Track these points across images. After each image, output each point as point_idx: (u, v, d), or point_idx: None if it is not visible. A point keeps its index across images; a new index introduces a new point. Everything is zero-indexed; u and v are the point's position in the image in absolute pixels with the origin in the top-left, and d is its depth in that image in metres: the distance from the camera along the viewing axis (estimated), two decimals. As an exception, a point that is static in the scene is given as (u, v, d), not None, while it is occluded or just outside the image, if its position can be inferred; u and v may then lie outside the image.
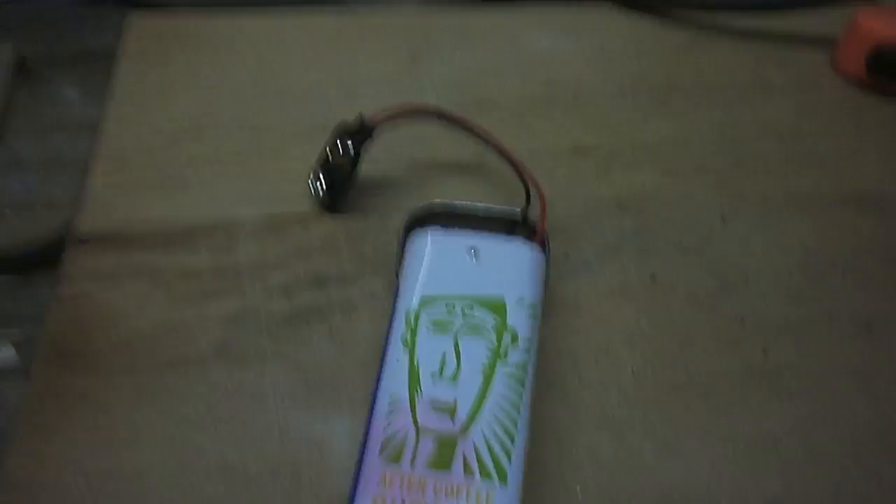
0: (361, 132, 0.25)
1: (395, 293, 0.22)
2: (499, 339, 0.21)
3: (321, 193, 0.26)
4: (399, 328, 0.21)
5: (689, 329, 0.24)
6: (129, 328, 0.23)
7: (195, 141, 0.29)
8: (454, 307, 0.21)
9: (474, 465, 0.19)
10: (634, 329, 0.24)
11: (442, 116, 0.25)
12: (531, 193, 0.24)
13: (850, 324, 0.24)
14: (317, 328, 0.24)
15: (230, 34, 0.33)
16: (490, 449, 0.19)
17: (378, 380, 0.20)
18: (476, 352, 0.20)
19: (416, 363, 0.20)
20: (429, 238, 0.23)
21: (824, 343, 0.24)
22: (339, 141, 0.25)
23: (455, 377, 0.20)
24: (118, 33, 0.34)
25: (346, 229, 0.26)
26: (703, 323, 0.24)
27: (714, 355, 0.24)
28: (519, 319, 0.21)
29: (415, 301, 0.21)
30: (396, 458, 0.19)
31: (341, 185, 0.26)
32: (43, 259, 0.30)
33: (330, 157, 0.26)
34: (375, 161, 0.28)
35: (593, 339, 0.24)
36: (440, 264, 0.22)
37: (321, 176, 0.26)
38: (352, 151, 0.25)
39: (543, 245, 0.24)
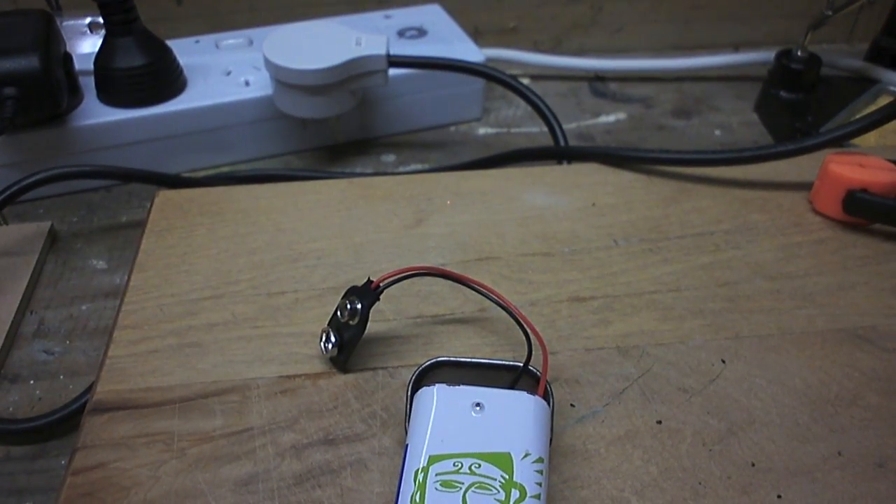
0: (369, 295, 0.27)
1: (404, 450, 0.23)
2: (507, 496, 0.21)
3: (332, 352, 0.27)
4: (409, 488, 0.21)
5: (699, 476, 0.24)
6: (141, 499, 0.23)
7: (213, 307, 0.30)
8: (461, 465, 0.21)
9: None
10: (645, 478, 0.24)
11: (444, 276, 0.27)
12: (532, 344, 0.25)
13: (861, 462, 0.24)
14: (327, 491, 0.24)
15: (248, 203, 0.36)
16: None
17: None
18: None
19: None
20: (434, 394, 0.24)
21: (838, 484, 0.24)
22: (348, 304, 0.27)
23: None
24: (147, 208, 0.37)
25: (356, 386, 0.27)
26: (713, 469, 0.24)
27: (728, 503, 0.23)
28: (526, 475, 0.21)
29: (423, 460, 0.22)
30: None
31: (351, 345, 0.27)
32: (60, 428, 0.31)
33: (340, 319, 0.27)
34: (384, 317, 0.29)
35: (605, 490, 0.24)
36: (446, 421, 0.23)
37: (332, 336, 0.27)
38: (360, 314, 0.27)
39: (547, 396, 0.24)
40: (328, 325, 0.28)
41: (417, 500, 0.21)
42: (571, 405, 0.26)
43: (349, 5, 0.55)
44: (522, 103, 0.51)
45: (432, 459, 0.22)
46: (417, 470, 0.22)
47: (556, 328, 0.29)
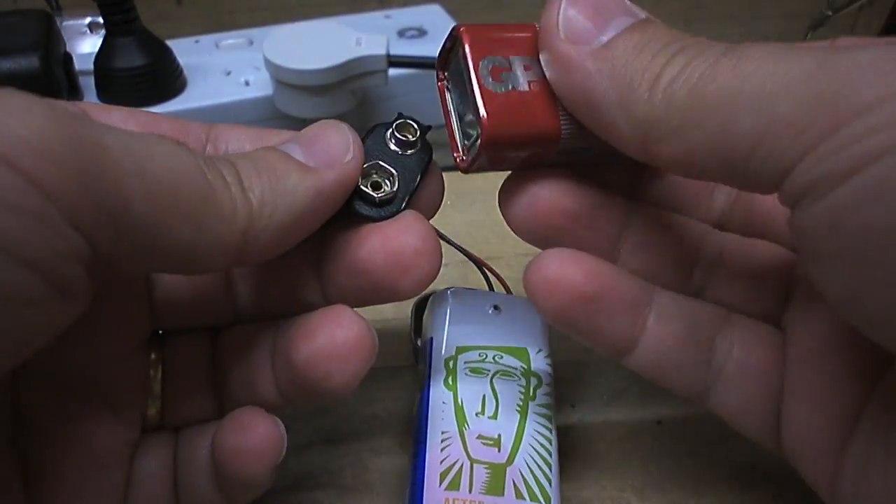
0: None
1: (426, 349, 0.24)
2: (528, 383, 0.24)
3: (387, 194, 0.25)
4: (440, 374, 0.24)
5: (699, 476, 0.24)
6: None
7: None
8: (486, 356, 0.24)
9: (523, 490, 0.21)
10: (645, 478, 0.24)
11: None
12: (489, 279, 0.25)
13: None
14: (328, 491, 0.24)
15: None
16: (533, 475, 0.22)
17: (424, 419, 0.23)
18: (510, 393, 0.23)
19: (460, 402, 0.23)
20: (449, 296, 0.26)
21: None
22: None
23: (495, 415, 0.23)
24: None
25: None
26: (713, 469, 0.24)
27: (727, 503, 0.23)
28: (541, 367, 0.24)
29: (452, 349, 0.24)
30: (456, 486, 0.21)
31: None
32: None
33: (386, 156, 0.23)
34: (383, 317, 0.29)
35: (605, 491, 0.24)
36: (468, 318, 0.25)
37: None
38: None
39: None
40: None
41: (450, 383, 0.23)
42: (571, 405, 0.26)
43: (349, 5, 0.55)
44: (522, 103, 0.51)
45: (459, 350, 0.24)
46: (448, 358, 0.24)
47: (556, 328, 0.29)
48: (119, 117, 0.20)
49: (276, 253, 0.18)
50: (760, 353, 0.20)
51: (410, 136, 0.21)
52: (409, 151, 0.21)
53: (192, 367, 0.22)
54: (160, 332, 0.22)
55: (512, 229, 0.20)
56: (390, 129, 0.21)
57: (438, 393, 0.23)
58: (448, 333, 0.25)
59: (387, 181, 0.20)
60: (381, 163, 0.20)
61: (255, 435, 0.19)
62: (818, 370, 0.19)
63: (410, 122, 0.21)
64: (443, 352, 0.24)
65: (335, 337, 0.19)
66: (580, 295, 0.19)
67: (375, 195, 0.20)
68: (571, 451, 0.25)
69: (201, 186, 0.16)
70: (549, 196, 0.20)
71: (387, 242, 0.19)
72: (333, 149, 0.19)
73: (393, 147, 0.21)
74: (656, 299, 0.20)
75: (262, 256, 0.18)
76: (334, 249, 0.20)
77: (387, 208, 0.20)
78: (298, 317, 0.20)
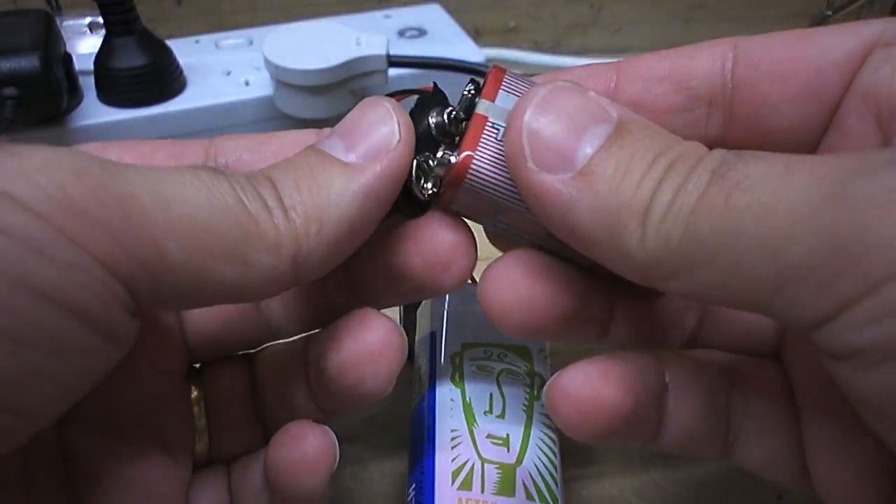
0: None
1: (426, 345, 0.24)
2: (533, 382, 0.24)
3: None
4: (447, 369, 0.23)
5: (701, 476, 0.24)
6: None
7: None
8: (492, 353, 0.24)
9: (533, 491, 0.21)
10: (645, 478, 0.24)
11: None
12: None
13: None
14: (328, 490, 0.24)
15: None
16: (542, 476, 0.22)
17: (432, 417, 0.22)
18: (516, 392, 0.23)
19: (468, 400, 0.23)
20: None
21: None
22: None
23: (503, 414, 0.23)
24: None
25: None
26: (714, 469, 0.24)
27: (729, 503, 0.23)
28: (542, 367, 0.24)
29: (458, 345, 0.24)
30: (468, 486, 0.21)
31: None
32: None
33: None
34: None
35: (605, 490, 0.24)
36: (468, 314, 0.25)
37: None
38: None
39: None
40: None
41: (458, 380, 0.23)
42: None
43: (349, 5, 0.55)
44: (522, 103, 0.51)
45: (465, 346, 0.24)
46: (454, 355, 0.24)
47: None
48: (115, 153, 0.19)
49: (335, 265, 0.17)
50: (776, 404, 0.19)
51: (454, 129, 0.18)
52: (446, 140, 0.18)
53: (233, 397, 0.21)
54: (197, 365, 0.22)
55: (494, 323, 0.19)
56: (436, 114, 0.18)
57: (445, 390, 0.23)
58: (450, 329, 0.24)
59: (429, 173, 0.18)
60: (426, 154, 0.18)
61: (306, 446, 0.18)
62: (829, 416, 0.17)
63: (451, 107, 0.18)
64: (448, 348, 0.24)
65: (364, 341, 0.19)
66: (619, 415, 0.18)
67: (422, 192, 0.18)
68: (572, 452, 0.25)
69: (241, 219, 0.15)
70: (536, 295, 0.18)
71: (422, 244, 0.19)
72: (376, 135, 0.17)
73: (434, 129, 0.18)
74: (668, 375, 0.19)
75: (319, 274, 0.17)
76: (364, 254, 0.19)
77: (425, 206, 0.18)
78: (325, 327, 0.20)
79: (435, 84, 0.19)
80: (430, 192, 0.18)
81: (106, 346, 0.15)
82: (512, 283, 0.18)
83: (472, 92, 0.18)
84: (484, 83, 0.18)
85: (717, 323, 0.21)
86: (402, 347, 0.19)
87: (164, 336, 0.20)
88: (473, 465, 0.21)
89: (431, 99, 0.19)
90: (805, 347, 0.19)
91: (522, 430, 0.22)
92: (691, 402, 0.19)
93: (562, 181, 0.15)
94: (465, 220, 0.19)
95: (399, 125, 0.17)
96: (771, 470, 0.19)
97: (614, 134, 0.15)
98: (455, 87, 0.19)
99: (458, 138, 0.18)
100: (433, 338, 0.24)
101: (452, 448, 0.21)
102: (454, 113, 0.18)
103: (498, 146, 0.17)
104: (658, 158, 0.15)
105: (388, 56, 0.42)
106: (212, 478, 0.21)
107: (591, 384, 0.18)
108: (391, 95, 0.19)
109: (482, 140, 0.17)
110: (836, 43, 0.17)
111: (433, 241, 0.19)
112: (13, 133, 0.39)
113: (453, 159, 0.17)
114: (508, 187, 0.17)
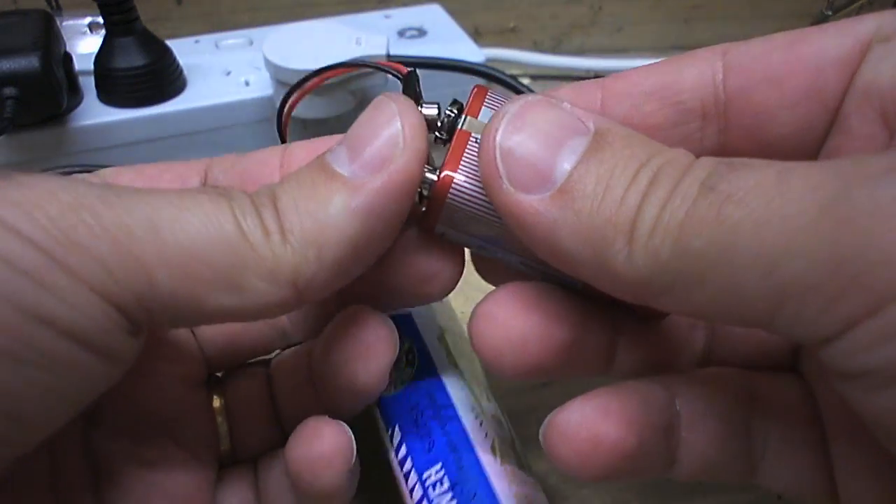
0: None
1: (401, 327, 0.23)
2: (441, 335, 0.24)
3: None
4: (439, 352, 0.24)
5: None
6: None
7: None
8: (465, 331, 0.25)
9: (524, 463, 0.21)
10: (646, 479, 0.24)
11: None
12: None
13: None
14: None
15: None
16: (519, 448, 0.22)
17: (446, 395, 0.22)
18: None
19: (469, 381, 0.23)
20: None
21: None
22: None
23: (489, 395, 0.24)
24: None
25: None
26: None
27: (729, 503, 0.23)
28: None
29: (437, 328, 0.24)
30: (508, 458, 0.21)
31: None
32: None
33: None
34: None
35: (605, 490, 0.24)
36: None
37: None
38: None
39: None
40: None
41: (449, 361, 0.23)
42: (571, 405, 0.26)
43: (349, 5, 0.55)
44: (522, 103, 0.51)
45: (443, 329, 0.24)
46: (439, 336, 0.24)
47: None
48: (128, 178, 0.19)
49: (343, 284, 0.17)
50: (801, 423, 0.18)
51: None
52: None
53: (253, 403, 0.22)
54: (220, 374, 0.23)
55: (488, 368, 0.18)
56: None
57: (448, 372, 0.23)
58: (432, 310, 0.25)
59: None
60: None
61: (323, 442, 0.18)
62: (858, 433, 0.16)
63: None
64: (432, 331, 0.24)
65: (356, 338, 0.19)
66: (621, 453, 0.16)
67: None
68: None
69: (237, 247, 0.15)
70: (529, 332, 0.17)
71: (405, 258, 0.19)
72: (378, 143, 0.16)
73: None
74: (679, 402, 0.18)
75: (326, 293, 0.16)
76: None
77: None
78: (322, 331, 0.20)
79: (413, 71, 0.18)
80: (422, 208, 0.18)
81: (105, 364, 0.15)
82: (502, 322, 0.17)
83: (455, 113, 0.18)
84: (467, 103, 0.18)
85: (729, 338, 0.20)
86: (392, 342, 0.19)
87: (180, 345, 0.21)
88: (502, 439, 0.21)
89: (405, 88, 0.18)
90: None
91: (498, 406, 0.23)
92: (707, 429, 0.18)
93: (540, 201, 0.14)
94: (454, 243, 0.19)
95: (404, 129, 0.16)
96: (799, 490, 0.18)
97: (592, 146, 0.14)
98: (455, 88, 0.19)
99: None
100: (409, 319, 0.24)
101: (480, 424, 0.21)
102: (436, 134, 0.18)
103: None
104: (641, 169, 0.14)
105: (389, 56, 0.42)
106: (239, 476, 0.21)
107: (589, 423, 0.17)
108: (350, 65, 0.18)
109: (464, 157, 0.17)
110: (832, 42, 0.16)
111: (416, 255, 0.19)
112: (13, 133, 0.40)
113: (434, 177, 0.17)
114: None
